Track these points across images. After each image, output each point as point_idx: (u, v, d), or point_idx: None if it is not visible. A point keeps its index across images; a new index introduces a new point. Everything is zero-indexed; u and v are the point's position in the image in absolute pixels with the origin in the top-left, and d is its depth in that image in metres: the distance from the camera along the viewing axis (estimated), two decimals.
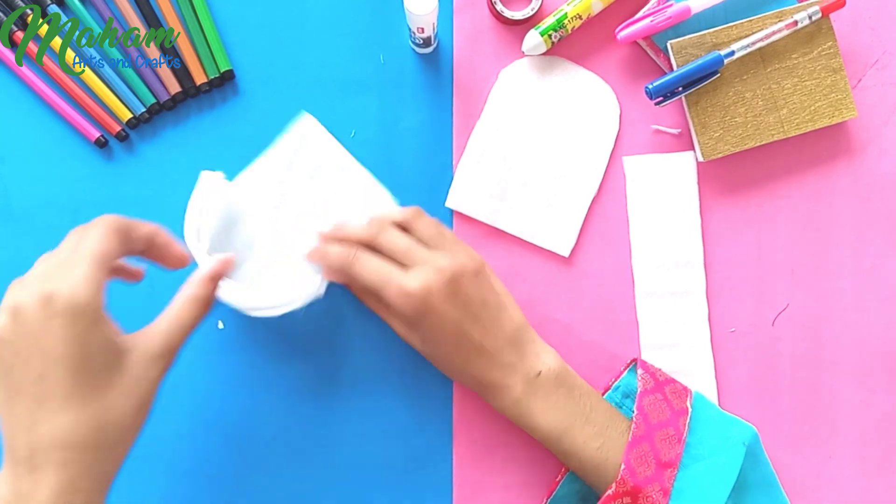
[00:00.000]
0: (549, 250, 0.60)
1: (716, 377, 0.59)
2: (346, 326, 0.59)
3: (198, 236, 0.52)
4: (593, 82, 0.60)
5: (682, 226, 0.59)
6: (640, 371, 0.53)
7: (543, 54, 0.60)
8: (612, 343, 0.59)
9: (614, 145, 0.60)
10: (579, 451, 0.50)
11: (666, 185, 0.60)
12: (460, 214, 0.60)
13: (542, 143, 0.60)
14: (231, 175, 0.60)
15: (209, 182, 0.54)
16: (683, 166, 0.60)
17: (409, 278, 0.49)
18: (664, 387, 0.52)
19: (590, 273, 0.60)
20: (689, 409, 0.51)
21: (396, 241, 0.51)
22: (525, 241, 0.60)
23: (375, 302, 0.55)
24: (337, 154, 0.58)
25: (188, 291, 0.48)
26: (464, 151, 0.60)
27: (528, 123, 0.60)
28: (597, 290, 0.60)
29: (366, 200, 0.57)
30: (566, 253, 0.60)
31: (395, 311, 0.51)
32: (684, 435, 0.50)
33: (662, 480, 0.48)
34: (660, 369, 0.54)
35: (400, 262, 0.51)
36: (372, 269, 0.50)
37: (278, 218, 0.57)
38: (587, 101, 0.60)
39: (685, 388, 0.53)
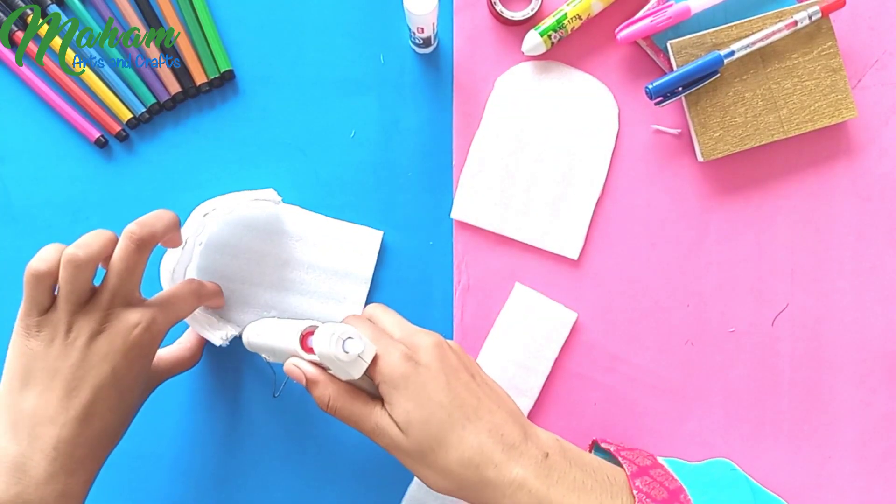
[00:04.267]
0: (557, 254, 0.60)
1: (711, 378, 0.59)
2: None
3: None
4: (590, 83, 0.60)
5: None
6: (620, 458, 0.49)
7: (543, 55, 0.60)
8: (612, 343, 0.60)
9: (615, 145, 0.60)
10: None
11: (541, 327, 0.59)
12: (462, 224, 0.60)
13: (543, 148, 0.60)
14: (229, 175, 0.60)
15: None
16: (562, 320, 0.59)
17: (394, 348, 0.46)
18: (649, 471, 0.48)
19: (599, 275, 0.60)
20: (684, 486, 0.47)
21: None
22: (533, 247, 0.60)
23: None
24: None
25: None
26: (465, 161, 0.60)
27: (526, 129, 0.60)
28: (607, 291, 0.60)
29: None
30: (575, 256, 0.60)
31: (381, 378, 0.45)
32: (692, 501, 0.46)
33: None
34: (633, 450, 0.51)
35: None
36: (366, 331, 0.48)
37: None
38: (584, 102, 0.60)
39: (668, 474, 0.49)
